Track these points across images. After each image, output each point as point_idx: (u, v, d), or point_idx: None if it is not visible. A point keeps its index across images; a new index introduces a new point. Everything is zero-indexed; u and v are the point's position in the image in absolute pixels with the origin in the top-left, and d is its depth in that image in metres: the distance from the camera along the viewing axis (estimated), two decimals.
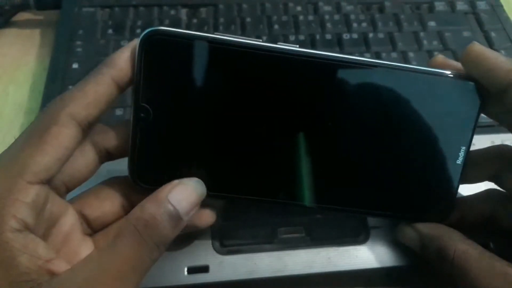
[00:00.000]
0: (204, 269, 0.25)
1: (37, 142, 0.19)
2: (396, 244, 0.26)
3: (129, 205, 0.23)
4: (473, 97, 0.23)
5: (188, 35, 0.21)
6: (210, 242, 0.26)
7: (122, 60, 0.21)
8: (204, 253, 0.25)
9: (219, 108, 0.22)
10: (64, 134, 0.19)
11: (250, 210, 0.27)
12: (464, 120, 0.23)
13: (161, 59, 0.21)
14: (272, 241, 0.26)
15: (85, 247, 0.22)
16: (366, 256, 0.26)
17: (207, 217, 0.24)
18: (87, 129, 0.21)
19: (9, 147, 0.20)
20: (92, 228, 0.23)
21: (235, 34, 0.22)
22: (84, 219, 0.22)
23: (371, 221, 0.27)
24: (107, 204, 0.23)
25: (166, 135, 0.22)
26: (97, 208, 0.23)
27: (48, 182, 0.19)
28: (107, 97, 0.20)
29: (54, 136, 0.19)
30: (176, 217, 0.19)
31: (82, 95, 0.20)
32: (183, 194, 0.20)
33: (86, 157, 0.22)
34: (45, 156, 0.18)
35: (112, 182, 0.23)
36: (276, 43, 0.22)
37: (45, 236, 0.20)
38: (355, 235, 0.27)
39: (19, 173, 0.18)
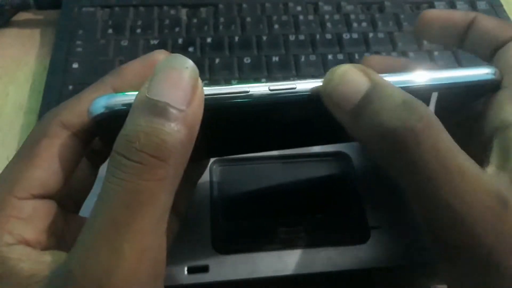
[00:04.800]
0: (204, 269, 0.25)
1: (28, 157, 0.18)
2: (396, 244, 0.26)
3: None
4: None
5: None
6: (210, 242, 0.26)
7: (129, 70, 0.19)
8: (204, 253, 0.25)
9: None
10: (55, 146, 0.18)
11: (250, 210, 0.27)
12: None
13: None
14: (272, 241, 0.26)
15: None
16: (366, 256, 0.26)
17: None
18: (85, 138, 0.19)
19: (5, 167, 0.18)
20: None
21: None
22: None
23: (371, 221, 0.27)
24: None
25: None
26: None
27: (51, 196, 0.18)
28: None
29: (44, 148, 0.18)
30: (168, 112, 0.15)
31: (76, 102, 0.19)
32: (167, 81, 0.15)
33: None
34: (36, 170, 0.17)
35: None
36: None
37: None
38: (355, 235, 0.27)
39: (9, 190, 0.17)
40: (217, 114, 0.18)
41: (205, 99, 0.17)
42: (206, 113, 0.17)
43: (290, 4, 0.40)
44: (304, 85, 0.18)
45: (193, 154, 0.23)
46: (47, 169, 0.17)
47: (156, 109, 0.15)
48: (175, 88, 0.15)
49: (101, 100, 0.17)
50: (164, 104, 0.15)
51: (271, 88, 0.18)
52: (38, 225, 0.17)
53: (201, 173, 0.25)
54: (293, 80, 0.18)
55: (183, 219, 0.24)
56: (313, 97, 0.18)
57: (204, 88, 0.17)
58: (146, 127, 0.15)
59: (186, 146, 0.16)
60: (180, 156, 0.15)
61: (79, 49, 0.35)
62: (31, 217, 0.17)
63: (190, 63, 0.16)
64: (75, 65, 0.34)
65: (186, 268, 0.25)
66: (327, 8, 0.40)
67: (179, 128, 0.15)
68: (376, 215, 0.27)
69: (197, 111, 0.16)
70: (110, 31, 0.37)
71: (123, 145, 0.15)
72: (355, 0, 0.40)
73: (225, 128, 0.20)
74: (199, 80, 0.16)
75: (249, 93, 0.17)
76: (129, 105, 0.16)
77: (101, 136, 0.19)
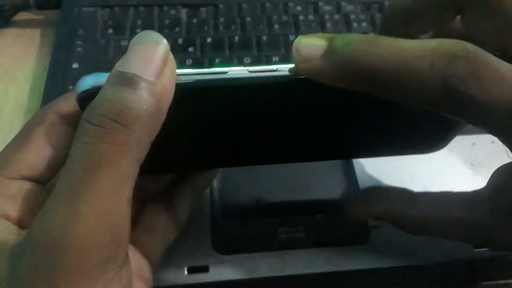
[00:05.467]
0: (204, 269, 0.25)
1: (21, 141, 0.18)
2: (396, 244, 0.26)
3: None
4: None
5: None
6: (210, 242, 0.26)
7: None
8: (204, 253, 0.25)
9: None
10: (48, 133, 0.18)
11: (250, 210, 0.27)
12: None
13: None
14: (272, 241, 0.26)
15: None
16: (366, 256, 0.26)
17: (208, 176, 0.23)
18: None
19: (1, 150, 0.19)
20: None
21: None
22: None
23: (371, 221, 0.27)
24: None
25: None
26: None
27: (40, 180, 0.18)
28: None
29: (38, 134, 0.18)
30: (135, 82, 0.15)
31: (73, 95, 0.19)
32: (137, 55, 0.16)
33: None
34: (27, 153, 0.18)
35: None
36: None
37: None
38: (355, 235, 0.27)
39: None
40: (198, 101, 0.17)
41: (184, 83, 0.17)
42: (187, 100, 0.17)
43: (290, 4, 0.40)
44: (287, 67, 0.17)
45: (191, 161, 0.22)
46: (38, 154, 0.18)
47: (124, 79, 0.15)
48: (144, 60, 0.16)
49: (86, 78, 0.17)
50: (131, 75, 0.15)
51: (250, 70, 0.17)
52: (23, 204, 0.18)
53: (207, 184, 0.26)
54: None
55: (182, 227, 0.24)
56: (297, 81, 0.17)
57: (182, 69, 0.17)
58: (111, 95, 0.15)
59: (154, 117, 0.16)
60: (145, 125, 0.16)
61: (79, 49, 0.35)
62: (17, 196, 0.18)
63: (161, 38, 0.16)
64: (75, 65, 0.34)
65: (186, 268, 0.25)
66: (327, 8, 0.40)
67: (146, 97, 0.15)
68: None
69: (167, 84, 0.16)
70: (110, 31, 0.37)
71: (88, 112, 0.16)
72: (355, 0, 0.40)
73: (213, 123, 0.19)
74: (171, 55, 0.16)
75: (227, 73, 0.17)
76: None
77: None
